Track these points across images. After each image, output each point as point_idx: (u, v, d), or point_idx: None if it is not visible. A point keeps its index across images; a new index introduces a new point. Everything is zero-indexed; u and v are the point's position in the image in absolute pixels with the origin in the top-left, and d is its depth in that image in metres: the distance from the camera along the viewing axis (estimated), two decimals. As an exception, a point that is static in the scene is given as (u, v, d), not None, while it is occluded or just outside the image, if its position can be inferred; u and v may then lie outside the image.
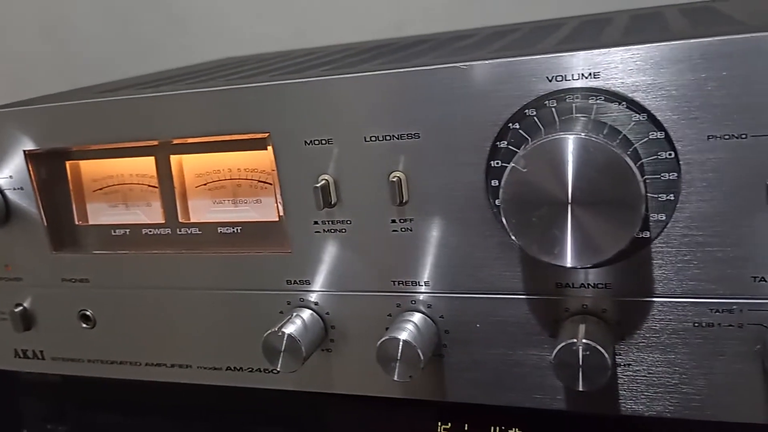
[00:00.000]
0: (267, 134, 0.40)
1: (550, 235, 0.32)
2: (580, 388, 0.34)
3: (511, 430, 0.45)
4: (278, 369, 0.40)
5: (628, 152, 0.32)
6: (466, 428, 0.46)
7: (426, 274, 0.39)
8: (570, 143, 0.31)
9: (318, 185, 0.38)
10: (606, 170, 0.31)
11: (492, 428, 0.45)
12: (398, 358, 0.38)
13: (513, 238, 0.33)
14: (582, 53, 0.33)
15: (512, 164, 0.32)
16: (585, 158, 0.31)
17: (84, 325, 0.48)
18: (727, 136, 0.32)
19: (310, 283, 0.42)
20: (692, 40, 0.31)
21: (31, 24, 0.97)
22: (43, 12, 0.97)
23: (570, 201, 0.31)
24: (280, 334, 0.40)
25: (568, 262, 0.31)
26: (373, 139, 0.38)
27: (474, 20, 0.76)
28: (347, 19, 0.85)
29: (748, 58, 0.31)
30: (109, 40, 0.94)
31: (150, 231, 0.46)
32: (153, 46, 0.92)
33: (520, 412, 0.42)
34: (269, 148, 0.40)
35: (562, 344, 0.34)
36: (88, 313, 0.48)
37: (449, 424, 0.46)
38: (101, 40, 0.95)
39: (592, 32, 0.48)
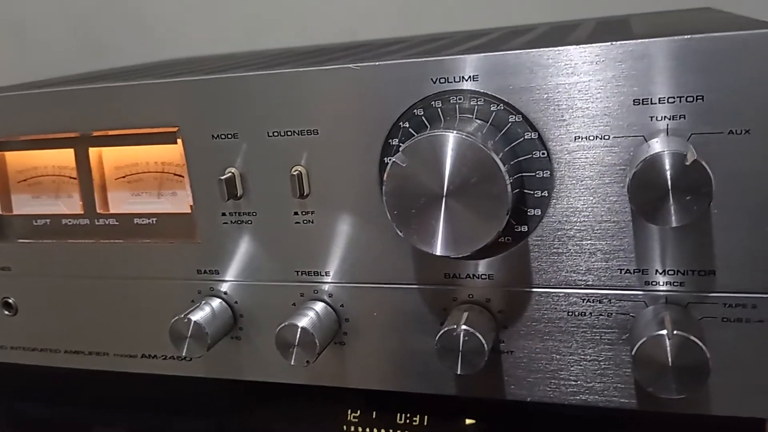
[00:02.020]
0: (176, 128, 0.41)
1: (427, 226, 0.34)
2: (459, 372, 0.36)
3: (417, 416, 0.47)
4: (183, 354, 0.42)
5: (504, 151, 0.35)
6: (374, 416, 0.48)
7: (328, 265, 0.41)
8: (444, 140, 0.33)
9: (223, 177, 0.40)
10: (476, 167, 0.33)
11: (399, 415, 0.47)
12: (296, 343, 0.40)
13: (396, 229, 0.35)
14: (462, 57, 0.35)
15: (393, 159, 0.34)
16: (458, 155, 0.33)
17: (6, 313, 0.50)
18: (591, 138, 0.34)
19: (219, 273, 0.44)
20: (558, 48, 0.34)
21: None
22: (1, 11, 0.98)
23: (444, 194, 0.33)
24: (186, 320, 0.42)
25: (438, 250, 0.34)
26: (276, 134, 0.40)
27: (428, 25, 0.79)
28: (301, 24, 0.87)
29: (608, 66, 0.33)
30: (67, 41, 0.95)
31: (69, 221, 0.47)
32: (112, 48, 0.93)
33: (426, 399, 0.44)
34: (179, 141, 0.42)
35: (444, 330, 0.37)
36: (9, 300, 0.49)
37: (358, 412, 0.48)
38: (60, 42, 0.96)
39: (508, 40, 0.51)
